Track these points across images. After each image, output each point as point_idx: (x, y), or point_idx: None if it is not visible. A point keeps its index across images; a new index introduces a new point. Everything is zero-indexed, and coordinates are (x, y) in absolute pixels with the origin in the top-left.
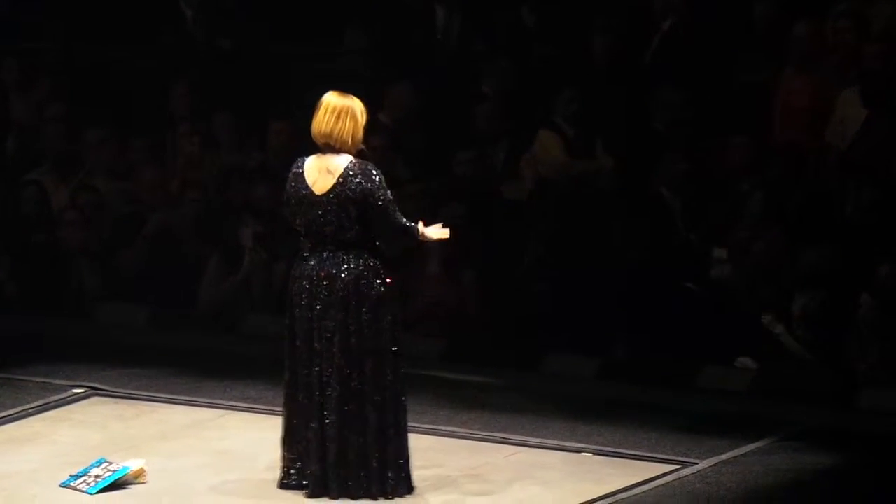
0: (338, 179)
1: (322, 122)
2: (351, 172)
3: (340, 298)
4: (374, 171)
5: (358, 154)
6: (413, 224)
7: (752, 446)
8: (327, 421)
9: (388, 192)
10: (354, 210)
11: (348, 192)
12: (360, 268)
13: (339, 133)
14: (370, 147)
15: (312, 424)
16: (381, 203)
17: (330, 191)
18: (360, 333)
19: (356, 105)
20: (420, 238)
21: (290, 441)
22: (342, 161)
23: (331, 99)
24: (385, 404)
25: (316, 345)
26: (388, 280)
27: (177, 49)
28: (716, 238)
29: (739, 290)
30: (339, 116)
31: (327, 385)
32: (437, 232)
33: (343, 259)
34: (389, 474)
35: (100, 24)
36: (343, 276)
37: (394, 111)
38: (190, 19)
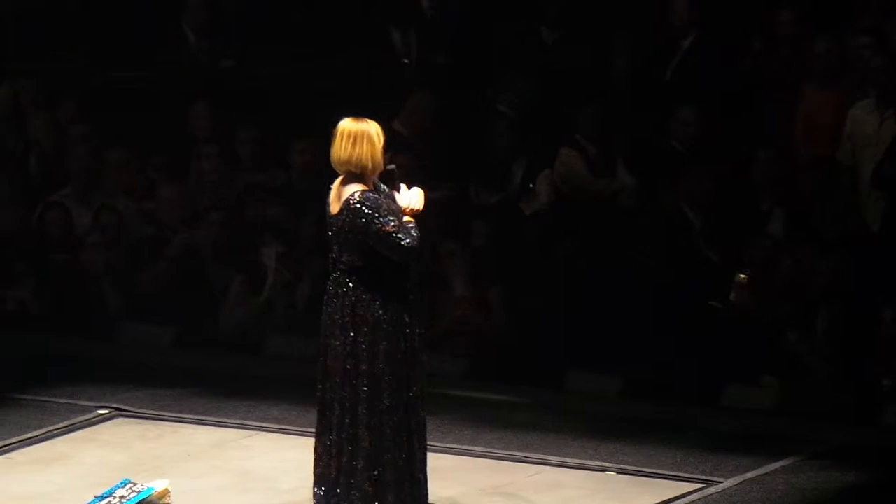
0: (341, 208)
1: (340, 149)
2: (347, 207)
3: (340, 319)
4: (370, 203)
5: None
6: (411, 239)
7: (777, 465)
8: (332, 438)
9: (391, 216)
10: (354, 240)
11: (347, 225)
12: (359, 291)
13: (357, 158)
14: (398, 165)
15: (324, 442)
16: (381, 231)
17: (336, 215)
18: (355, 357)
19: (371, 128)
20: (417, 232)
21: (315, 457)
22: (348, 191)
23: (346, 125)
24: (382, 429)
25: (329, 362)
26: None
27: (192, 70)
28: (736, 257)
29: (763, 307)
30: (355, 142)
31: (331, 403)
32: (415, 201)
33: (345, 282)
34: (390, 497)
35: (119, 45)
36: (343, 298)
37: (411, 119)
38: (192, 42)
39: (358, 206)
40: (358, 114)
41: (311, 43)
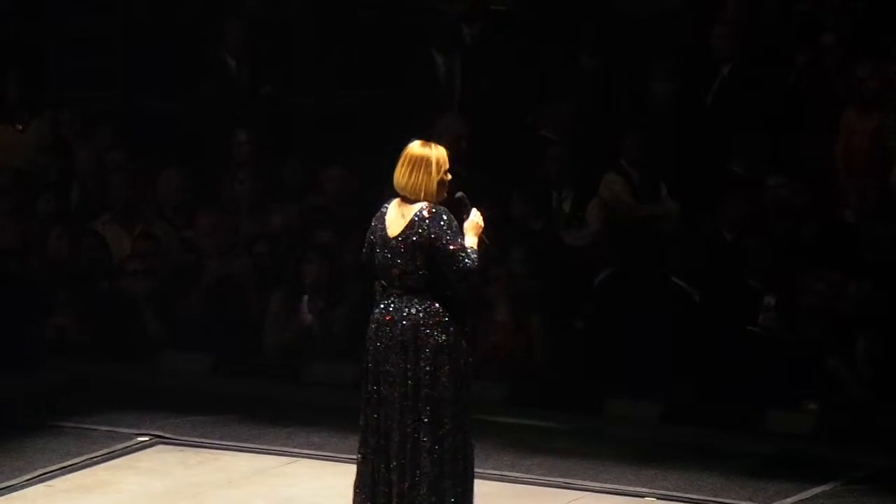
0: (407, 223)
1: (399, 174)
2: (419, 218)
3: (400, 344)
4: (444, 216)
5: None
6: (472, 262)
7: (817, 490)
8: (392, 464)
9: (459, 237)
10: (421, 256)
11: (415, 237)
12: (422, 315)
13: (412, 186)
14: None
15: (376, 468)
16: (448, 247)
17: (400, 234)
18: (417, 381)
19: (433, 157)
20: (478, 259)
21: (360, 483)
22: (415, 206)
23: (410, 150)
24: (443, 454)
25: (383, 389)
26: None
27: (233, 97)
28: (772, 281)
29: (792, 331)
30: (412, 170)
31: (389, 430)
32: (475, 228)
33: (407, 304)
34: None
35: (160, 72)
36: (404, 322)
37: (438, 143)
38: (233, 68)
39: (428, 220)
40: (428, 138)
41: (352, 69)
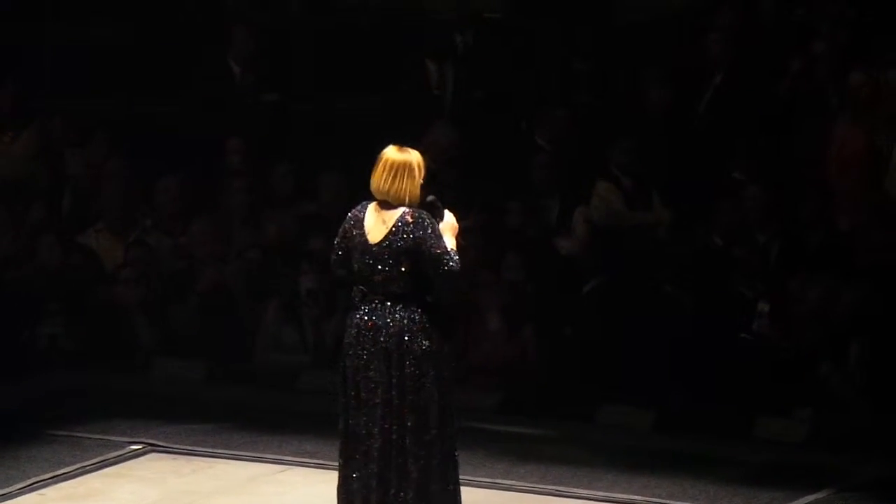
0: (390, 230)
1: (380, 180)
2: (402, 223)
3: (383, 350)
4: (427, 221)
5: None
6: (456, 265)
7: (810, 497)
8: (374, 469)
9: (442, 240)
10: (406, 261)
11: (400, 242)
12: (406, 321)
13: (395, 192)
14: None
15: (358, 474)
16: (433, 251)
17: (382, 240)
18: (401, 387)
19: (414, 161)
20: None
21: (343, 491)
22: (396, 212)
23: (389, 155)
24: (430, 460)
25: (363, 395)
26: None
27: (229, 104)
28: (765, 288)
29: (793, 339)
30: (395, 175)
31: (370, 436)
32: (451, 229)
33: (390, 311)
34: None
35: (160, 77)
36: (387, 328)
37: (430, 150)
38: (238, 75)
39: (412, 224)
40: (402, 143)
41: (348, 77)
